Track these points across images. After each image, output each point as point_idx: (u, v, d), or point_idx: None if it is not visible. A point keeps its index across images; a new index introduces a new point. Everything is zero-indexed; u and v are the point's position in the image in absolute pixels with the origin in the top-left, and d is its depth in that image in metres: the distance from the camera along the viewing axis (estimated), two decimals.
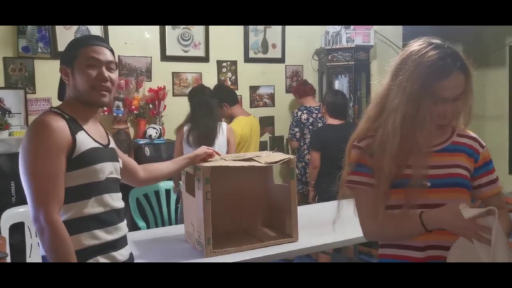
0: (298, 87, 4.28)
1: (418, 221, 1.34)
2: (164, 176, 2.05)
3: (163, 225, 3.49)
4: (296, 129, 4.05)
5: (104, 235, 1.51)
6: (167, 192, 3.61)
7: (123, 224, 1.62)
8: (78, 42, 1.63)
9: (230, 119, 3.69)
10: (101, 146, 1.57)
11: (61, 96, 1.67)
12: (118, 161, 1.66)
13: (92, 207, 1.50)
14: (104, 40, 1.65)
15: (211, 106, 3.27)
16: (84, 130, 1.54)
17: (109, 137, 1.70)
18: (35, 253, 2.89)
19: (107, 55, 1.58)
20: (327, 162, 3.41)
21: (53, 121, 1.46)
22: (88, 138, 1.53)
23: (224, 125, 3.31)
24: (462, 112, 1.43)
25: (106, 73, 1.55)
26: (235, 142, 3.45)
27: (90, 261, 1.47)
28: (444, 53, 1.36)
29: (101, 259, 1.49)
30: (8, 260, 2.51)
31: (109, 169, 1.57)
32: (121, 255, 1.57)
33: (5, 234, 2.72)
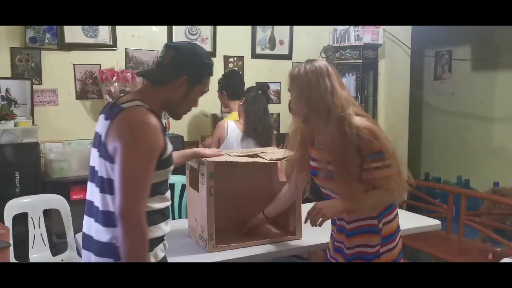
0: None
1: None
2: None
3: (173, 218, 3.47)
4: None
5: (165, 227, 1.60)
6: (183, 186, 3.52)
7: None
8: (209, 69, 1.64)
9: (227, 108, 3.58)
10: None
11: (156, 81, 1.61)
12: None
13: (161, 202, 1.57)
14: None
15: None
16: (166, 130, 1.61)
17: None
18: (37, 244, 2.90)
19: None
20: None
21: (155, 123, 1.48)
22: (167, 138, 1.58)
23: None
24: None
25: None
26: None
27: (151, 253, 1.53)
28: None
29: (159, 251, 1.57)
30: (11, 250, 2.52)
31: None
32: (165, 245, 1.65)
33: (9, 224, 2.72)
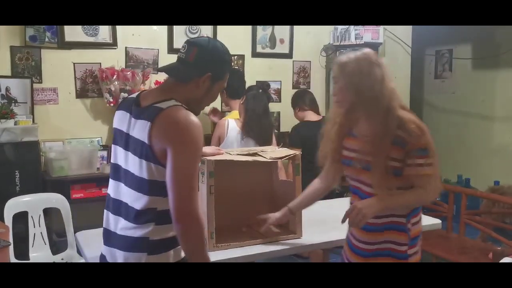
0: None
1: None
2: None
3: None
4: None
5: None
6: None
7: None
8: (229, 65, 1.71)
9: (227, 107, 3.58)
10: None
11: (180, 78, 1.62)
12: None
13: None
14: None
15: None
16: None
17: None
18: (37, 242, 2.90)
19: None
20: (305, 159, 3.33)
21: (198, 122, 1.50)
22: None
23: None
24: None
25: None
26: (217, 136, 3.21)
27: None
28: None
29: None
30: (11, 249, 2.52)
31: None
32: None
33: (9, 223, 2.73)
